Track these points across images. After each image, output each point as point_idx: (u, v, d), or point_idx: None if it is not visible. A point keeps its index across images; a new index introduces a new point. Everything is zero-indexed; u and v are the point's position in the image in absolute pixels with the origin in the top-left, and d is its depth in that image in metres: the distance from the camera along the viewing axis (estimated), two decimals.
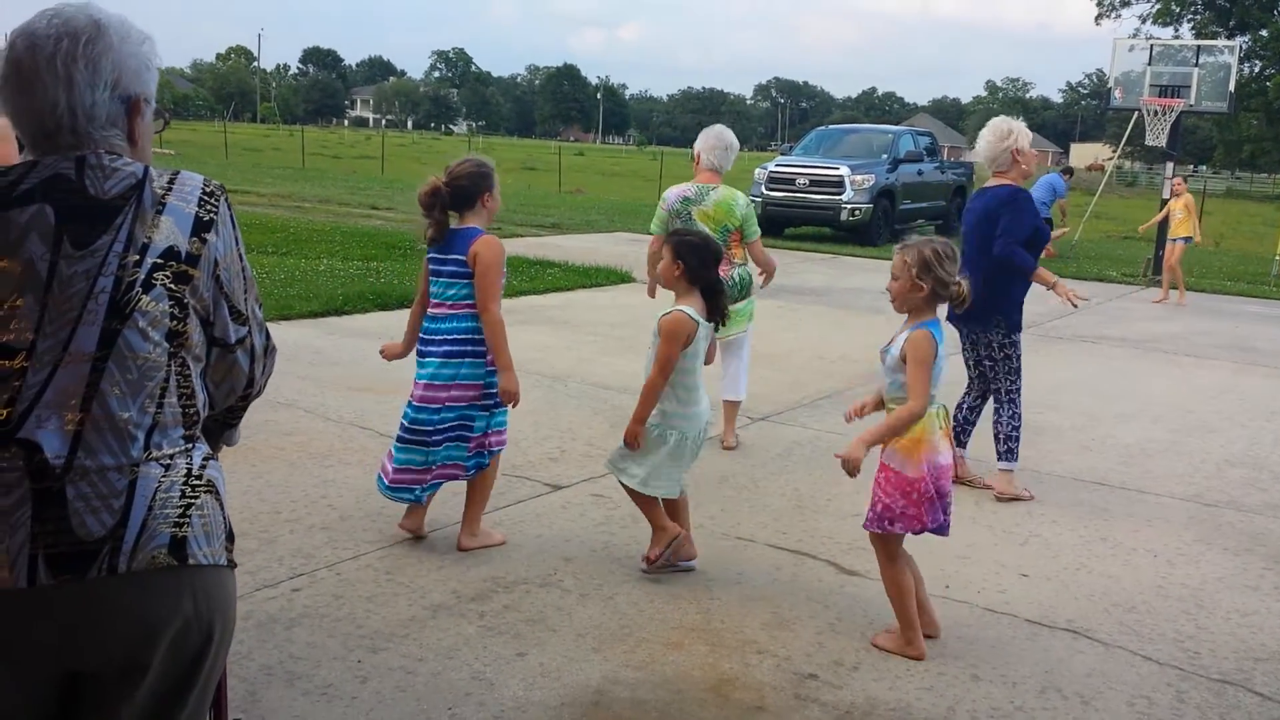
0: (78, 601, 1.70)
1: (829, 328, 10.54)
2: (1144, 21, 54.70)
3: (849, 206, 18.84)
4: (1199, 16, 53.89)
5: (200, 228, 1.84)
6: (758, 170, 20.48)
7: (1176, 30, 52.97)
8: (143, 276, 1.75)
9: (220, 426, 2.13)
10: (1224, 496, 5.77)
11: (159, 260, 1.77)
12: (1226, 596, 4.41)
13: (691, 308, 4.08)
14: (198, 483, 1.82)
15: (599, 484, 5.29)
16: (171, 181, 1.84)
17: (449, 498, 4.97)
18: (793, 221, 20.02)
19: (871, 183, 18.98)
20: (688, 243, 4.18)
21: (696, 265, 4.10)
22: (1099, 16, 58.40)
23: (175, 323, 1.79)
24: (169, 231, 1.79)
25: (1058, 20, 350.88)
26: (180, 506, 1.77)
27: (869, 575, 4.39)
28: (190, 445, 1.85)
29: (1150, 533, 5.11)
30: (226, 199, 1.92)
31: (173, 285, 1.79)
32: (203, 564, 1.79)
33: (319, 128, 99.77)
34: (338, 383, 6.99)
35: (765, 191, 19.64)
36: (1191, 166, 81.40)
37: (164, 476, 1.76)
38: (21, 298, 1.70)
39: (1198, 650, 3.89)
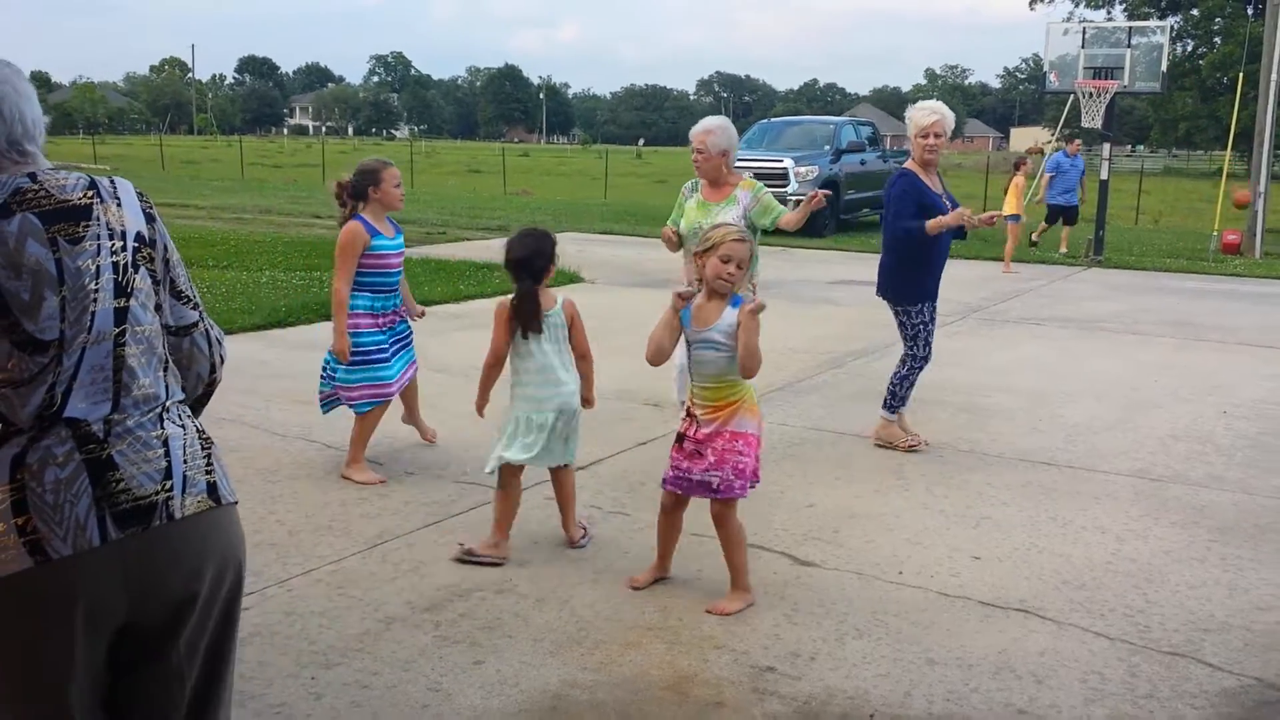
0: (143, 551, 1.92)
1: (778, 320, 10.53)
2: (1077, 5, 55.67)
3: (794, 198, 18.92)
4: None
5: (148, 218, 2.07)
6: None
7: (1109, 13, 53.93)
8: (130, 258, 1.99)
9: None
10: (1169, 471, 5.86)
11: (135, 244, 2.01)
12: (1174, 570, 4.47)
13: None
14: (205, 436, 2.11)
15: (552, 488, 5.24)
16: (112, 181, 2.05)
17: (401, 506, 4.92)
18: None
19: (815, 174, 19.10)
20: None
21: None
22: (1033, 1, 59.34)
23: (158, 297, 2.06)
24: (133, 219, 2.02)
25: (992, 6, 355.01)
26: (205, 456, 2.06)
27: (824, 565, 4.41)
28: (188, 409, 2.12)
29: (1098, 510, 5.18)
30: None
31: (149, 265, 2.04)
32: (229, 502, 2.09)
33: (258, 137, 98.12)
34: (283, 396, 6.88)
35: None
36: (1129, 146, 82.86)
37: (185, 434, 2.04)
38: (44, 297, 1.86)
39: (1148, 624, 3.95)
